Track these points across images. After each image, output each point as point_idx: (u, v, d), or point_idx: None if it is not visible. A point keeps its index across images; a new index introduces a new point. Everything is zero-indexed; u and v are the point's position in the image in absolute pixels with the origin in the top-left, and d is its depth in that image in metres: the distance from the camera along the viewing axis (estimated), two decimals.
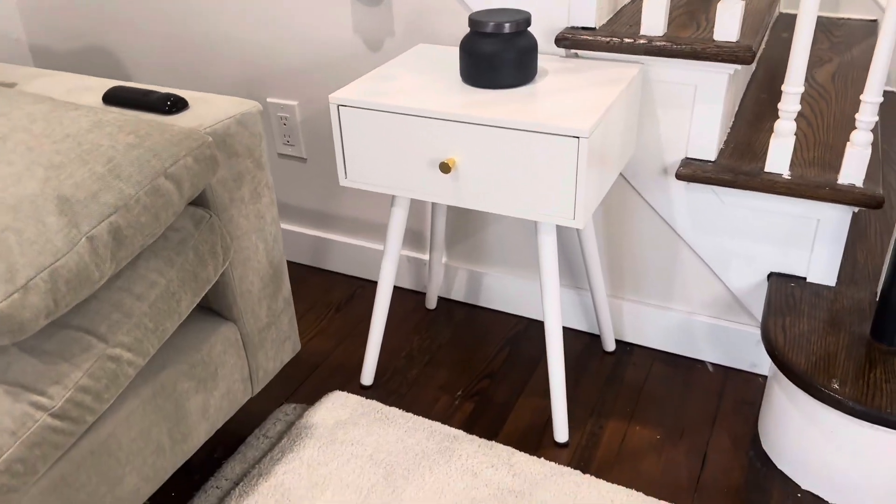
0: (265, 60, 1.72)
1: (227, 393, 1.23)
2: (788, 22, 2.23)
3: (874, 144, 1.41)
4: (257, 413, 1.49)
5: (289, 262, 1.98)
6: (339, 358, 1.63)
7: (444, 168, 1.18)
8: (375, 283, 1.88)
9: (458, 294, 1.78)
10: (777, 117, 1.56)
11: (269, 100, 1.76)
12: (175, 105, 1.12)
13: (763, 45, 2.02)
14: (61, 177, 0.93)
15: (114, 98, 1.16)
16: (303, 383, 1.56)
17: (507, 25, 1.21)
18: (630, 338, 1.63)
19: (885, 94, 2.28)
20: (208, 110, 1.14)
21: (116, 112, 1.04)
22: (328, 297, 1.83)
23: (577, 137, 1.10)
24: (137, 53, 1.89)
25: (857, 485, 1.22)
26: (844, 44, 2.04)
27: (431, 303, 1.77)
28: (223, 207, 1.14)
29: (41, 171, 0.93)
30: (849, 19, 2.25)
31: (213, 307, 1.23)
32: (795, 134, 1.48)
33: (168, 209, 1.01)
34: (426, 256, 1.78)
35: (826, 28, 2.17)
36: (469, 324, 1.72)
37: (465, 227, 1.69)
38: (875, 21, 2.24)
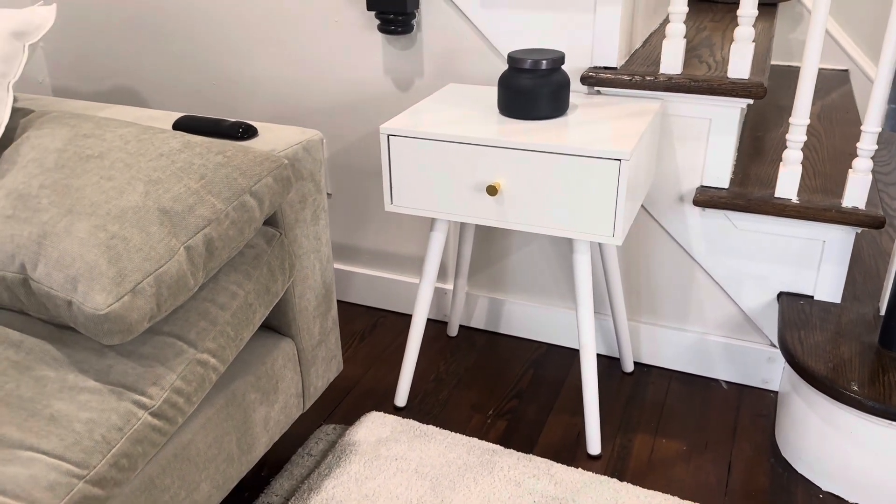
0: (295, 98, 1.81)
1: (284, 407, 1.28)
2: (772, 71, 2.40)
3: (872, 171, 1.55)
4: (298, 435, 1.53)
5: None
6: (370, 383, 1.69)
7: (491, 191, 1.28)
8: (396, 313, 1.95)
9: (478, 321, 1.86)
10: (781, 150, 1.70)
11: None
12: (247, 132, 1.20)
13: None
14: (160, 191, 1.00)
15: (184, 126, 1.24)
16: (338, 406, 1.61)
17: (544, 62, 1.33)
18: (647, 359, 1.72)
19: None
20: (276, 137, 1.22)
21: (202, 136, 1.12)
22: (352, 327, 1.89)
23: (619, 160, 1.21)
24: (164, 94, 1.97)
25: (876, 482, 1.31)
26: (823, 90, 2.21)
27: (453, 330, 1.84)
28: (289, 227, 1.22)
29: (141, 185, 1.00)
30: (823, 69, 2.44)
31: (272, 324, 1.29)
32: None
33: (251, 224, 1.08)
34: (447, 286, 1.86)
35: None
36: (491, 349, 1.79)
37: (486, 255, 1.78)
38: (846, 70, 2.43)
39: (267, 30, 1.76)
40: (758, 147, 1.75)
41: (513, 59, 1.35)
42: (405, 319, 1.92)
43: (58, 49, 2.04)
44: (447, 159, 1.32)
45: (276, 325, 1.29)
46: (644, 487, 1.38)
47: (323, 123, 1.81)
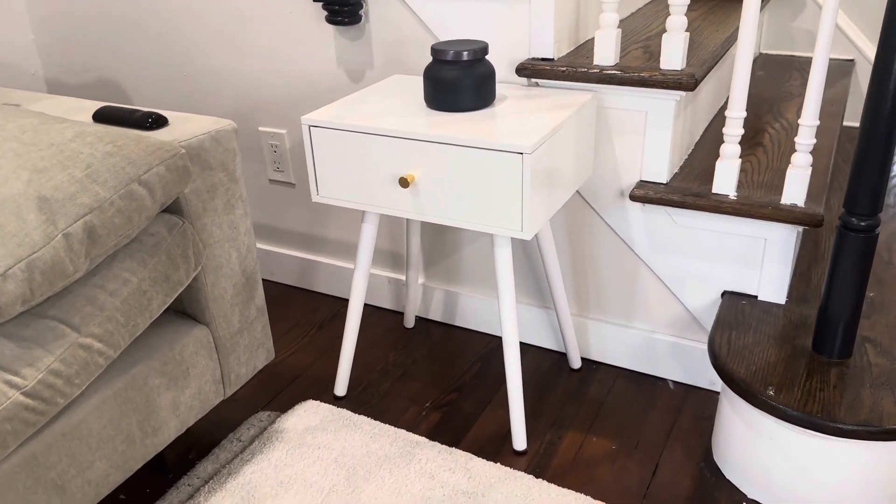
0: (257, 92, 1.84)
1: (198, 393, 1.31)
2: (766, 61, 2.32)
3: (823, 169, 1.48)
4: (234, 419, 1.56)
5: (276, 283, 2.07)
6: (318, 371, 1.71)
7: (403, 183, 1.27)
8: None
9: (435, 313, 1.86)
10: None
11: (260, 128, 1.88)
12: (156, 122, 1.23)
13: None
14: (42, 179, 1.04)
15: (102, 116, 1.27)
16: (279, 393, 1.64)
17: (465, 54, 1.32)
18: (595, 356, 1.69)
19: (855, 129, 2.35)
20: (186, 127, 1.24)
21: (100, 126, 1.15)
22: (312, 316, 1.92)
23: (521, 154, 1.19)
24: (143, 85, 2.02)
25: (797, 491, 1.26)
26: None
27: (409, 321, 1.84)
28: (197, 216, 1.24)
29: (26, 174, 1.04)
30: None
31: (187, 311, 1.32)
32: (749, 159, 1.56)
33: (141, 213, 1.10)
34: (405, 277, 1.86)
35: (803, 67, 2.25)
36: (444, 341, 1.79)
37: (441, 247, 1.78)
38: (852, 60, 2.32)
39: (223, 23, 1.79)
40: (721, 140, 1.69)
41: (435, 51, 1.34)
42: (367, 309, 1.93)
43: (51, 42, 2.12)
44: (364, 151, 1.32)
45: (190, 313, 1.31)
46: (561, 486, 1.36)
47: (283, 114, 1.83)
